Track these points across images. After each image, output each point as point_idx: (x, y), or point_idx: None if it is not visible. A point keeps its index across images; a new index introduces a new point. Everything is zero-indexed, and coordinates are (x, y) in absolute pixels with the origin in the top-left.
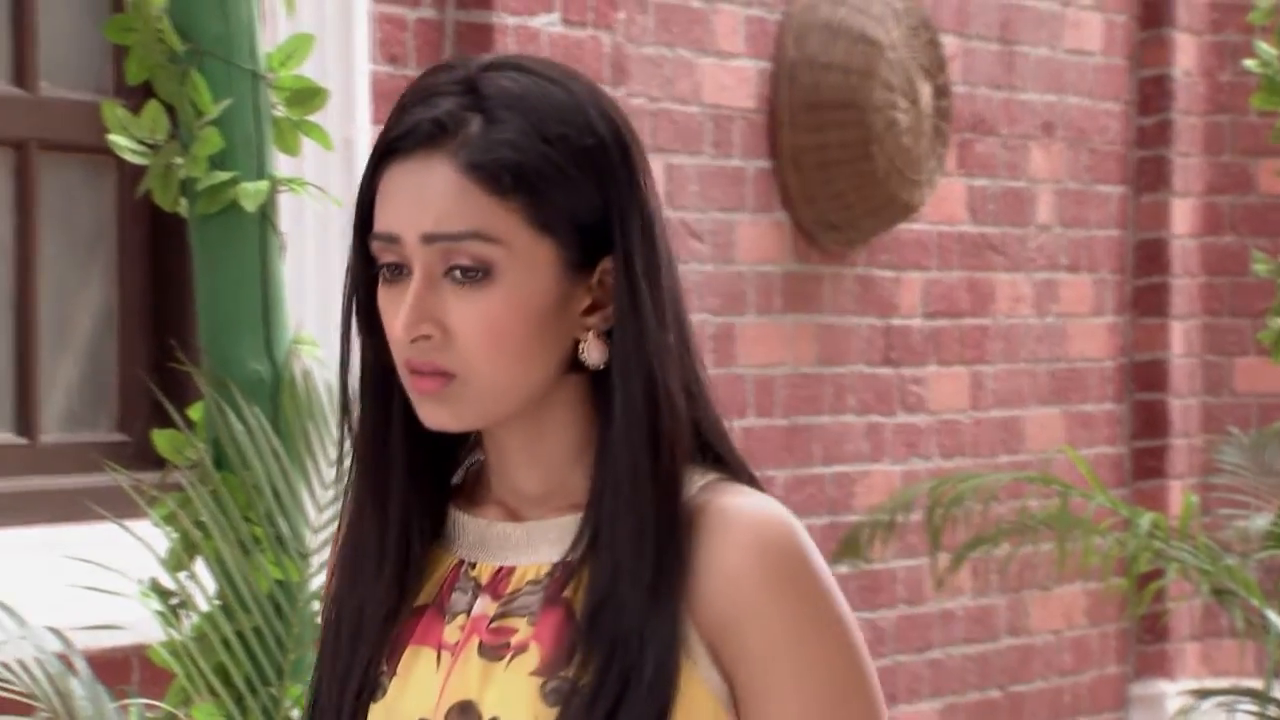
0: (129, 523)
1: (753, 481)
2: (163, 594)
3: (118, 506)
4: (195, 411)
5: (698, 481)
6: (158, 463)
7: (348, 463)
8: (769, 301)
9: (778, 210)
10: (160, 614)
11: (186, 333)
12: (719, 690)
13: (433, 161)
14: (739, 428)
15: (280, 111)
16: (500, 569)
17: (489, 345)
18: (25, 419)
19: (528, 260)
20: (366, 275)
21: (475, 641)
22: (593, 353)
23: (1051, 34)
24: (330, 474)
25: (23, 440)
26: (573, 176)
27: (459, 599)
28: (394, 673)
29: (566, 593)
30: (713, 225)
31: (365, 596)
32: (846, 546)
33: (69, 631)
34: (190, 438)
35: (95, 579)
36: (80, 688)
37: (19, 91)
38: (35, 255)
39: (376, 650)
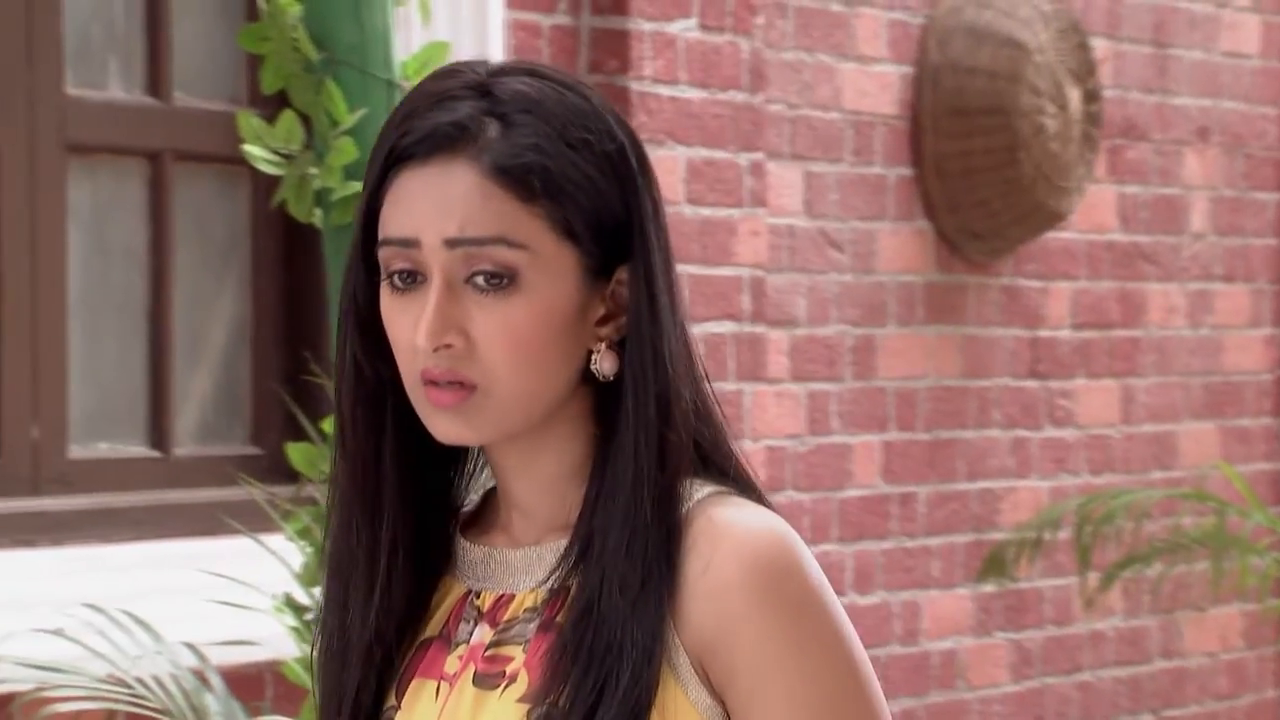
0: (263, 537)
1: (760, 497)
2: (297, 609)
3: (252, 521)
4: (329, 424)
5: (695, 495)
6: (292, 476)
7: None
8: (911, 312)
9: (920, 219)
10: (294, 629)
11: (321, 345)
12: (710, 711)
13: (453, 166)
14: (879, 442)
15: None
16: (501, 596)
17: (512, 355)
18: (159, 432)
19: (551, 267)
20: (366, 285)
21: (470, 671)
22: (605, 363)
23: (1206, 36)
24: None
25: (157, 454)
26: (596, 182)
27: (463, 629)
28: (399, 706)
29: (559, 617)
30: (853, 234)
31: (353, 618)
32: (991, 565)
33: (204, 647)
34: (324, 451)
35: (230, 594)
36: (215, 703)
37: (153, 101)
38: (169, 267)
39: (364, 674)
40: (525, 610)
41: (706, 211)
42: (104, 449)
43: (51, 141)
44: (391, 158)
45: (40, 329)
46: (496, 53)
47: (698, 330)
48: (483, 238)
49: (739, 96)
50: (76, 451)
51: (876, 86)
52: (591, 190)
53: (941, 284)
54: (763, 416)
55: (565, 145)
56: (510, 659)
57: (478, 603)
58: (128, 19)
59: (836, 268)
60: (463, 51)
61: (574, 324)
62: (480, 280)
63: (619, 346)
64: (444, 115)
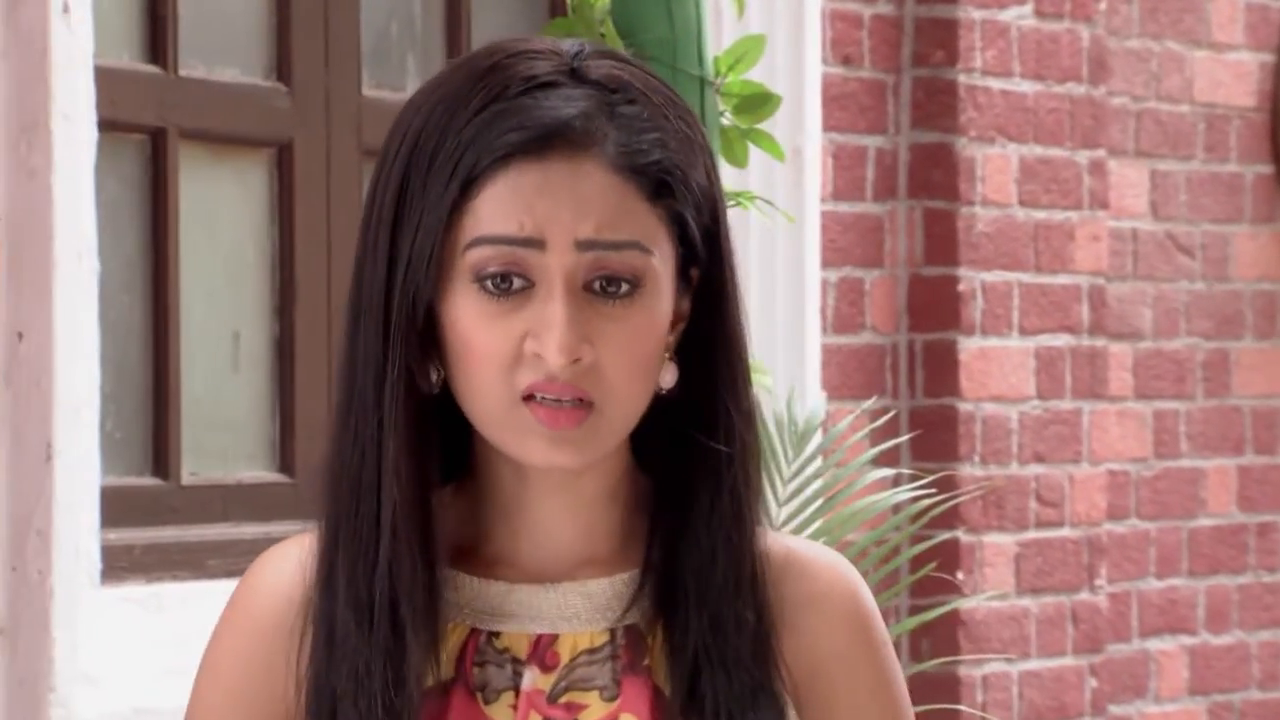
0: None
1: None
2: None
3: None
4: None
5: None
6: None
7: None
8: (1270, 324)
9: None
10: None
11: None
12: None
13: (579, 162)
14: (1234, 466)
15: (728, 119)
16: (540, 638)
17: (631, 370)
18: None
19: (664, 273)
20: (433, 289)
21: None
22: (667, 375)
23: None
24: (779, 512)
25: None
26: (701, 177)
27: (494, 674)
28: None
29: (647, 660)
30: (1205, 238)
31: (410, 664)
32: None
33: None
34: None
35: None
36: None
37: None
38: None
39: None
40: (584, 653)
41: (1041, 214)
42: None
43: (348, 144)
44: (494, 151)
45: (335, 341)
46: (814, 47)
47: (1032, 343)
48: (620, 241)
49: (1078, 89)
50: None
51: (1232, 76)
52: (701, 188)
53: None
54: (1103, 438)
55: (677, 139)
56: (585, 706)
57: (501, 644)
58: (426, 17)
59: (1186, 275)
60: (779, 46)
61: (667, 334)
62: (600, 286)
63: (677, 356)
64: (557, 105)
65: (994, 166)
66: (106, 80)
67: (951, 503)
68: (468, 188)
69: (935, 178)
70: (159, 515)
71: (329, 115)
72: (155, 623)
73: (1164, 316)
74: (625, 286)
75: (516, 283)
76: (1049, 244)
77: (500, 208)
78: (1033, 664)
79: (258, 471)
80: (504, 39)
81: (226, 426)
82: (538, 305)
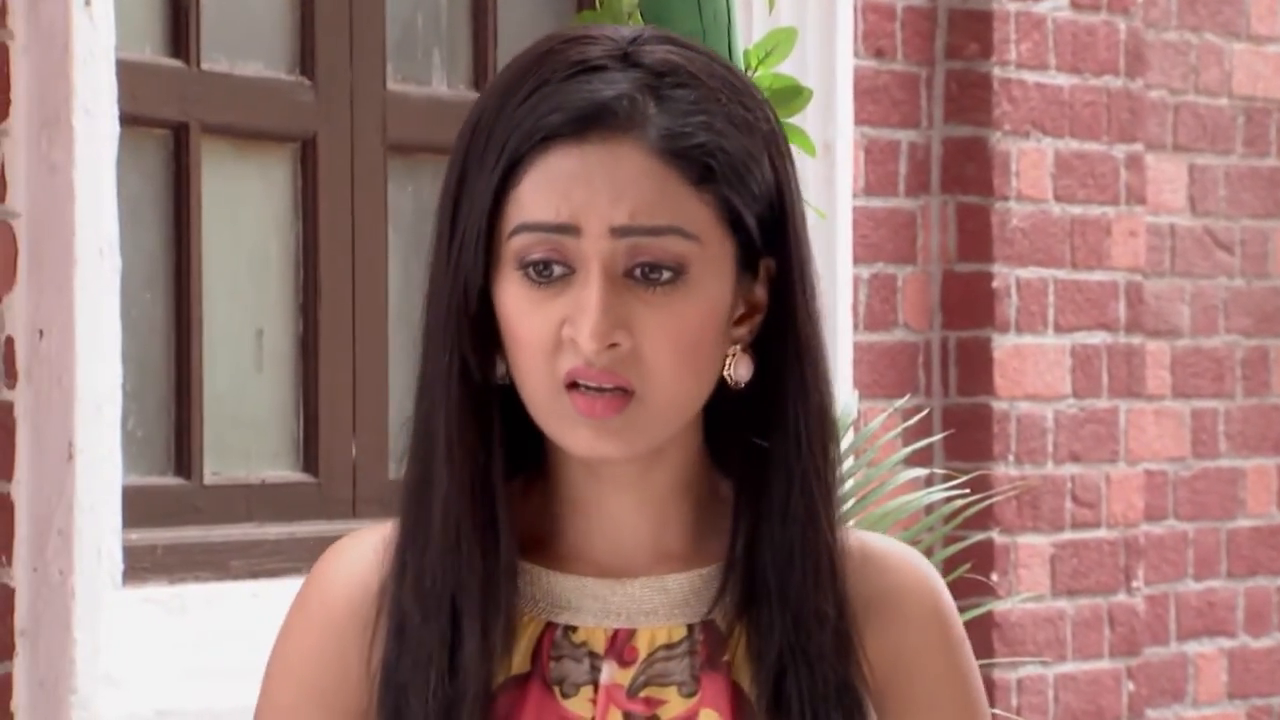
0: None
1: None
2: None
3: None
4: None
5: None
6: None
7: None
8: None
9: None
10: None
11: None
12: None
13: (618, 145)
14: (1275, 466)
15: None
16: (617, 633)
17: (676, 359)
18: None
19: (716, 260)
20: (482, 277)
21: (616, 715)
22: (740, 368)
23: None
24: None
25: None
26: (760, 165)
27: (572, 668)
28: None
29: (726, 657)
30: (1244, 234)
31: (467, 658)
32: None
33: None
34: None
35: None
36: None
37: (478, 96)
38: None
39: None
40: (662, 648)
41: (1077, 210)
42: None
43: (372, 140)
44: (534, 135)
45: (359, 340)
46: (846, 40)
47: (1067, 341)
48: (657, 226)
49: (1115, 82)
50: (397, 471)
51: (1271, 68)
52: (758, 174)
53: None
54: (1140, 437)
55: (730, 124)
56: (664, 701)
57: (577, 639)
58: (451, 9)
59: (1225, 271)
60: (809, 39)
61: (725, 325)
62: (642, 273)
63: (752, 349)
64: (598, 88)
65: (1029, 161)
66: (128, 74)
67: (986, 503)
68: (511, 173)
69: (969, 172)
70: (181, 515)
71: (353, 110)
72: (177, 624)
73: (1202, 313)
74: (667, 273)
75: (557, 270)
76: (1085, 240)
77: (539, 194)
78: (1068, 667)
79: (281, 471)
80: (569, 27)
81: (250, 425)
82: (575, 291)
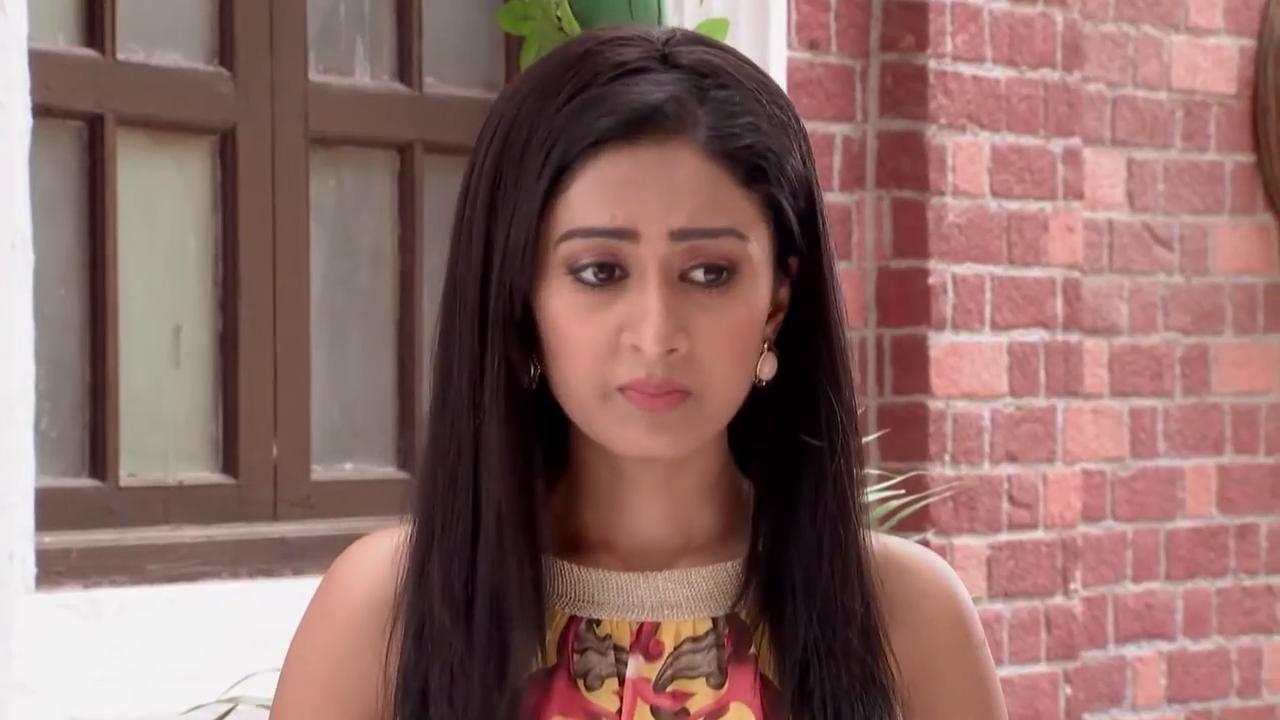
0: None
1: None
2: None
3: None
4: None
5: None
6: None
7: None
8: (1250, 318)
9: (1261, 212)
10: None
11: None
12: None
13: (670, 148)
14: (1214, 466)
15: None
16: (641, 626)
17: (729, 359)
18: (408, 452)
19: (761, 259)
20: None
21: (644, 708)
22: (766, 366)
23: None
24: None
25: (405, 475)
26: (795, 163)
27: (596, 661)
28: None
29: (752, 649)
30: (1183, 230)
31: (517, 659)
32: None
33: None
34: None
35: None
36: None
37: (402, 88)
38: (419, 269)
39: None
40: (688, 640)
41: (1014, 205)
42: (349, 470)
43: (293, 132)
44: (584, 139)
45: (281, 338)
46: (779, 31)
47: (1004, 339)
48: (716, 229)
49: (1052, 75)
50: (319, 473)
51: (1211, 62)
52: (797, 173)
53: None
54: (1078, 437)
55: (770, 124)
56: (692, 694)
57: (602, 632)
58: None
59: (1164, 268)
60: (741, 30)
61: (764, 323)
62: (699, 275)
63: (777, 347)
64: (647, 90)
65: (965, 155)
66: (41, 64)
67: (921, 504)
68: (559, 178)
69: (904, 167)
70: (96, 517)
71: (274, 101)
72: (93, 630)
73: (1141, 311)
74: (724, 275)
75: (611, 274)
76: (1022, 236)
77: (592, 198)
78: (1005, 671)
79: (199, 472)
80: (596, 28)
81: (167, 425)
82: (633, 296)
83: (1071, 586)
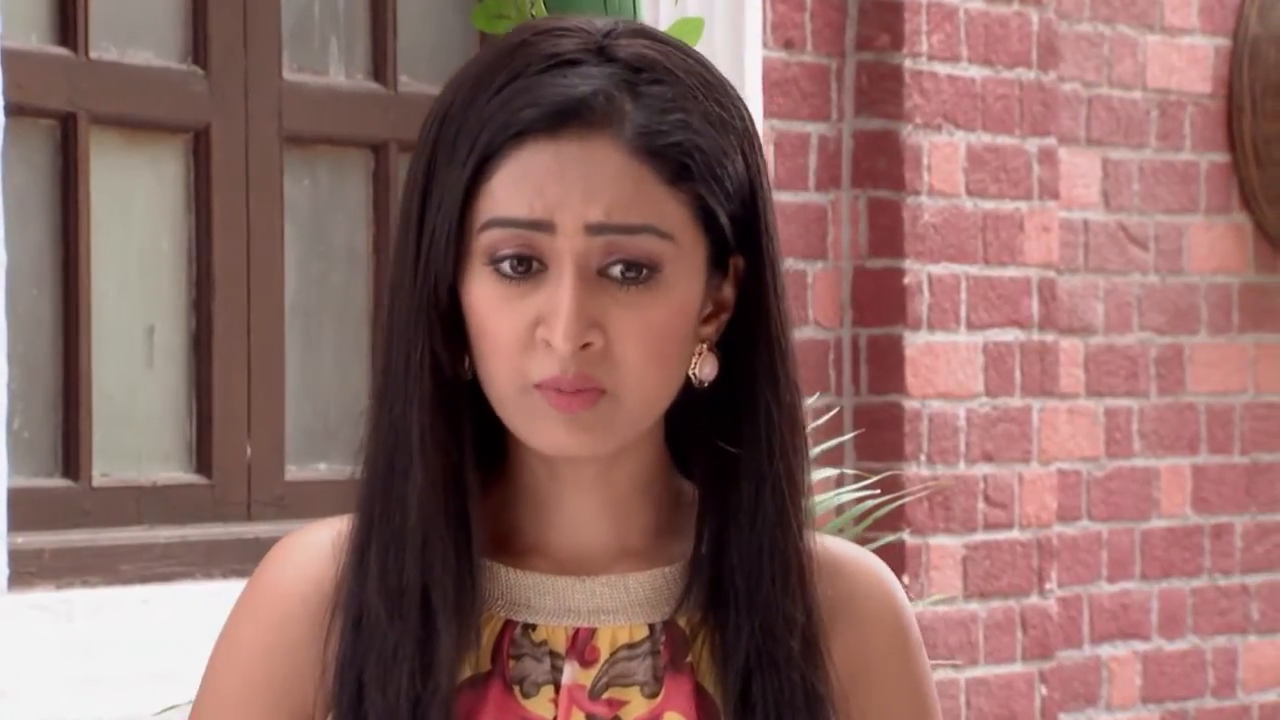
0: None
1: None
2: None
3: None
4: None
5: None
6: None
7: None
8: (1225, 319)
9: (1236, 211)
10: None
11: None
12: None
13: (593, 141)
14: (1188, 466)
15: None
16: (577, 632)
17: (647, 358)
18: None
19: (688, 259)
20: (453, 271)
21: (579, 716)
22: (706, 367)
23: None
24: None
25: None
26: (735, 162)
27: (532, 667)
28: None
29: (689, 658)
30: (1158, 229)
31: (441, 658)
32: None
33: None
34: None
35: None
36: None
37: (376, 87)
38: None
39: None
40: (624, 647)
41: (989, 205)
42: (323, 470)
43: (267, 131)
44: (508, 129)
45: (254, 337)
46: (754, 30)
47: (980, 338)
48: (633, 225)
49: (1028, 74)
50: (294, 473)
51: (1186, 61)
52: (733, 172)
53: (1261, 286)
54: (1053, 437)
55: (706, 121)
56: (626, 702)
57: (537, 637)
58: None
59: (1139, 268)
60: (717, 29)
61: (696, 324)
62: (617, 271)
63: (718, 349)
64: (574, 83)
65: (941, 155)
66: (13, 63)
67: (897, 504)
68: (483, 167)
69: (880, 166)
70: (69, 518)
71: (248, 100)
72: (65, 631)
73: (1116, 310)
74: (643, 272)
75: (529, 266)
76: (997, 235)
77: (512, 189)
78: (980, 671)
79: (173, 472)
80: (543, 18)
81: (140, 425)
82: (549, 290)
83: (1047, 586)
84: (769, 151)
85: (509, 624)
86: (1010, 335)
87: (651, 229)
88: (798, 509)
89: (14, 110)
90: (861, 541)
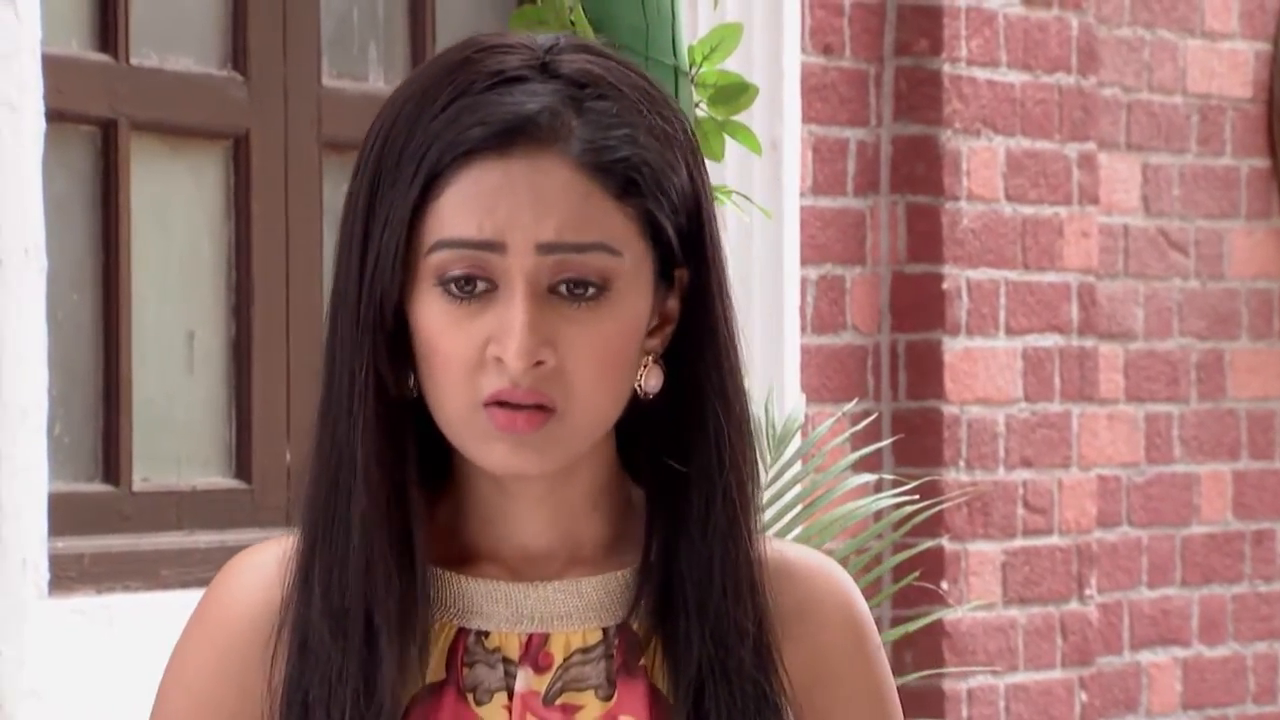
0: None
1: None
2: None
3: None
4: None
5: None
6: None
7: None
8: (1266, 324)
9: (1277, 216)
10: None
11: None
12: None
13: (541, 160)
14: (1229, 472)
15: (703, 111)
16: (531, 638)
17: (598, 374)
18: None
19: (636, 275)
20: (399, 292)
21: None
22: (651, 379)
23: None
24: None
25: None
26: (680, 175)
27: (485, 675)
28: None
29: (643, 661)
30: (1199, 235)
31: (385, 672)
32: None
33: None
34: None
35: None
36: None
37: None
38: None
39: None
40: (578, 651)
41: (1029, 210)
42: None
43: (306, 137)
44: (455, 148)
45: (293, 343)
46: (793, 36)
47: (1019, 344)
48: (584, 243)
49: (1067, 79)
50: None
51: (1226, 66)
52: (678, 185)
53: None
54: (1093, 442)
55: (651, 136)
56: (581, 707)
57: (490, 644)
58: (388, 4)
59: (1179, 273)
60: (756, 35)
61: (643, 337)
62: (566, 289)
63: (663, 360)
64: (520, 100)
65: (980, 160)
66: (55, 69)
67: (935, 509)
68: (431, 186)
69: (919, 171)
70: (109, 523)
71: (287, 106)
72: (105, 636)
73: (1156, 316)
74: (592, 289)
75: (479, 286)
76: (1037, 240)
77: (461, 209)
78: (1020, 677)
79: (213, 477)
80: (482, 34)
81: (180, 430)
82: (500, 309)
83: (1087, 592)
84: (807, 157)
85: (462, 632)
86: (1050, 341)
87: (602, 246)
88: (748, 518)
89: (55, 116)
90: (900, 547)
